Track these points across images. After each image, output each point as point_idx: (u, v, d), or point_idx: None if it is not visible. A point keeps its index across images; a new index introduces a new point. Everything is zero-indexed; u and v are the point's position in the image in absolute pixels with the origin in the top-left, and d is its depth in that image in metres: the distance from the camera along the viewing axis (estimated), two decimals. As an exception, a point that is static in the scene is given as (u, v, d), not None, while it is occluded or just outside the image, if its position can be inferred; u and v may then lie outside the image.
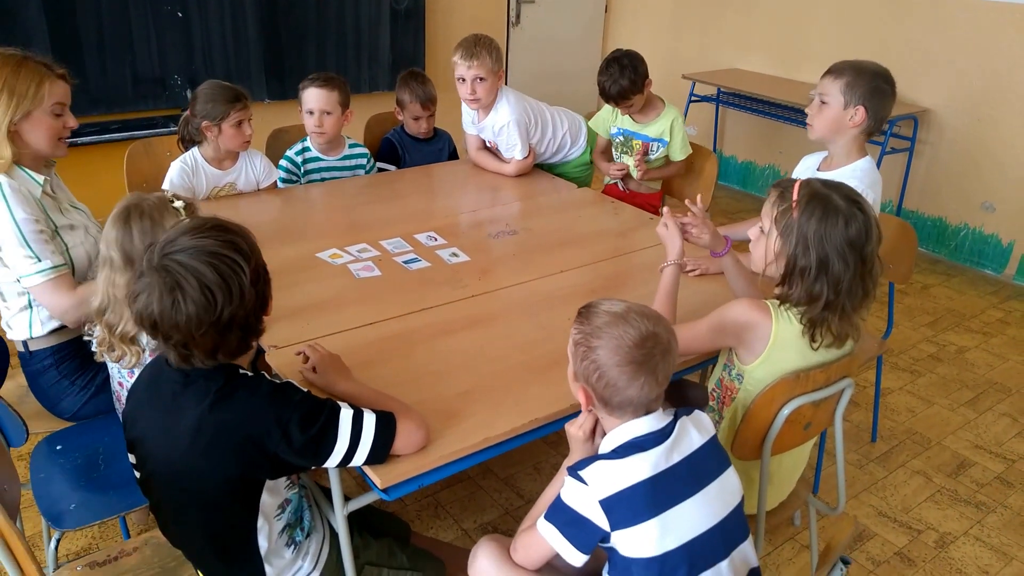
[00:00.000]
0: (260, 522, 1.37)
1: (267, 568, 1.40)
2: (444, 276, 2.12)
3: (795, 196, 1.55)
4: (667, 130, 2.94)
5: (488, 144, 3.05)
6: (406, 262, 2.19)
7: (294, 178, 2.87)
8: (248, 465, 1.29)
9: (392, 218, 2.50)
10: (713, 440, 1.37)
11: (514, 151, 2.93)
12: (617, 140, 3.05)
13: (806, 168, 2.23)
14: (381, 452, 1.35)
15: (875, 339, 2.68)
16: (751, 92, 4.79)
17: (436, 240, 2.33)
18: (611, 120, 3.06)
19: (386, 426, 1.36)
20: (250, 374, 1.32)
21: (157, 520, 1.42)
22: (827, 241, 1.50)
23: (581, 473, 1.28)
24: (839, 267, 1.51)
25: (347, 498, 1.49)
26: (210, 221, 1.32)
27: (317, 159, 2.88)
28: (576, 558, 1.30)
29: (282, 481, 1.41)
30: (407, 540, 1.85)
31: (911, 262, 2.54)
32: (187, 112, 2.52)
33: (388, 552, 1.63)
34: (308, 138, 2.88)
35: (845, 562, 1.25)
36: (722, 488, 1.34)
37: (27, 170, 1.95)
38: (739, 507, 1.37)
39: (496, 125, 2.92)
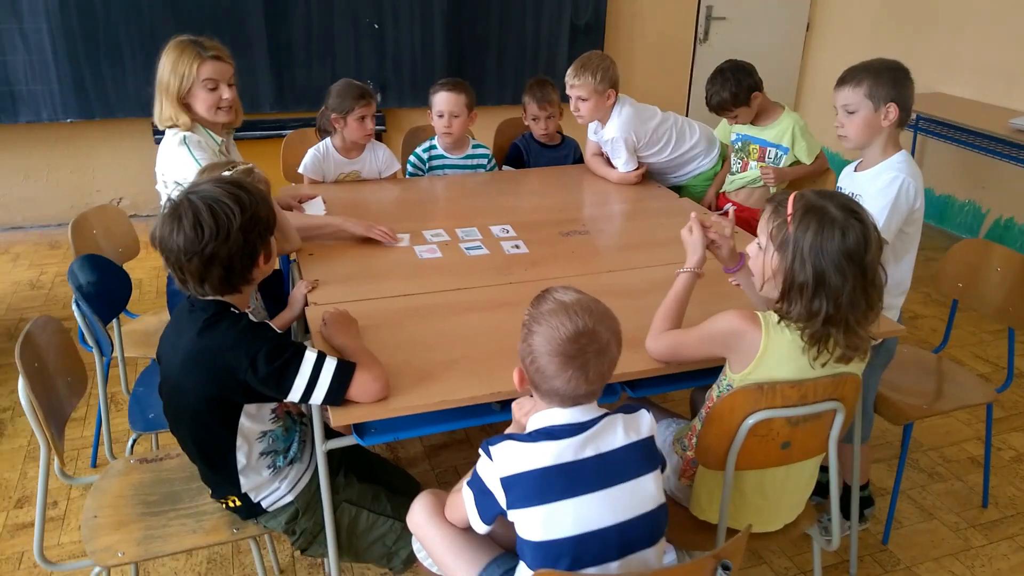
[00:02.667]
0: (240, 441, 1.61)
1: (242, 480, 1.64)
2: (497, 264, 2.26)
3: (790, 209, 1.51)
4: (787, 136, 2.85)
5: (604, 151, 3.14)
6: (468, 248, 2.35)
7: (419, 172, 3.15)
8: (222, 388, 1.52)
9: (482, 210, 2.68)
10: (643, 443, 1.36)
11: (618, 163, 3.00)
12: (736, 146, 3.00)
13: (844, 175, 2.15)
14: (337, 395, 1.53)
15: (988, 387, 2.39)
16: (954, 120, 4.35)
17: (508, 232, 2.48)
18: (730, 126, 3.03)
19: (343, 372, 1.53)
20: (238, 311, 1.56)
21: (167, 423, 1.71)
22: (823, 254, 1.45)
23: (491, 448, 1.33)
24: (836, 280, 1.45)
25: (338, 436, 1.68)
26: (232, 178, 1.58)
27: (442, 157, 3.14)
28: (479, 526, 1.38)
29: (267, 414, 1.64)
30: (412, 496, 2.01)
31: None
32: (324, 106, 2.89)
33: (372, 496, 1.80)
34: (436, 137, 3.14)
35: (725, 567, 1.21)
36: (633, 491, 1.33)
37: (210, 131, 2.41)
38: (651, 514, 1.34)
39: (605, 137, 3.00)
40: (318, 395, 1.52)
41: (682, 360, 1.70)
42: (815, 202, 1.49)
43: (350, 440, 1.67)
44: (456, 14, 4.80)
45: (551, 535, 1.28)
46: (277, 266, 2.38)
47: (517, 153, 3.33)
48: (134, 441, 2.10)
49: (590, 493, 1.30)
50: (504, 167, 3.33)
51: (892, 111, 1.99)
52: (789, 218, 1.50)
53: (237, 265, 1.52)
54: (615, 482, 1.32)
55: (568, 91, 2.91)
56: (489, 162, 3.19)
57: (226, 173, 1.92)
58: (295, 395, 1.52)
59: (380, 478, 1.89)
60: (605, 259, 2.29)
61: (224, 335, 1.51)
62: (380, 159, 2.99)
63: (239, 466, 1.62)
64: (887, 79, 1.98)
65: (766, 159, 2.90)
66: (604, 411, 1.38)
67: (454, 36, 4.85)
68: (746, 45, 5.58)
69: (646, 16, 5.32)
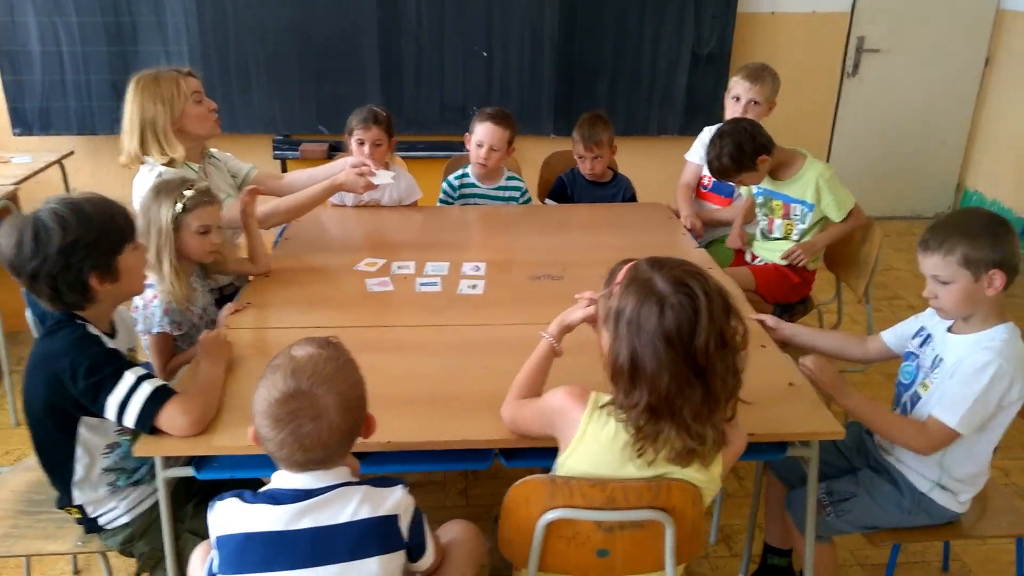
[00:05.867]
0: (80, 452, 1.63)
1: (75, 492, 1.66)
2: (438, 303, 2.15)
3: (618, 278, 1.29)
4: (810, 190, 2.49)
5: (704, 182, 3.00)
6: (422, 284, 2.25)
7: (449, 200, 3.08)
8: (54, 395, 1.55)
9: (471, 245, 2.60)
10: (376, 521, 1.22)
11: None
12: (758, 200, 2.65)
13: (933, 326, 1.79)
14: (146, 421, 1.51)
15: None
16: None
17: (477, 271, 2.34)
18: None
19: (155, 401, 1.51)
20: (81, 322, 1.58)
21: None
22: (640, 333, 1.22)
23: (217, 503, 1.25)
24: (652, 365, 1.21)
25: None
26: (81, 198, 1.58)
27: (473, 185, 3.05)
28: None
29: (110, 427, 1.65)
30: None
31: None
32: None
33: (224, 530, 1.75)
34: (470, 166, 3.06)
35: None
36: (343, 574, 1.19)
37: (189, 164, 2.40)
38: None
39: None
40: (129, 418, 1.51)
41: (524, 434, 1.49)
42: (643, 272, 1.26)
43: (188, 471, 1.63)
44: (568, 41, 4.69)
45: None
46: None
47: (561, 187, 3.16)
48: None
49: (288, 570, 1.17)
50: (547, 201, 3.18)
51: (997, 278, 1.59)
52: (615, 288, 1.27)
53: (63, 285, 1.52)
54: (326, 562, 1.18)
55: (740, 93, 2.82)
56: (522, 195, 3.06)
57: (187, 192, 1.98)
58: (109, 414, 1.52)
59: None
60: (553, 310, 2.08)
61: (57, 344, 1.55)
62: (401, 187, 2.96)
63: (75, 477, 1.65)
64: (986, 241, 1.59)
65: (791, 216, 2.54)
66: (348, 480, 1.24)
67: (564, 63, 4.74)
68: (903, 81, 5.00)
69: (782, 45, 4.88)
